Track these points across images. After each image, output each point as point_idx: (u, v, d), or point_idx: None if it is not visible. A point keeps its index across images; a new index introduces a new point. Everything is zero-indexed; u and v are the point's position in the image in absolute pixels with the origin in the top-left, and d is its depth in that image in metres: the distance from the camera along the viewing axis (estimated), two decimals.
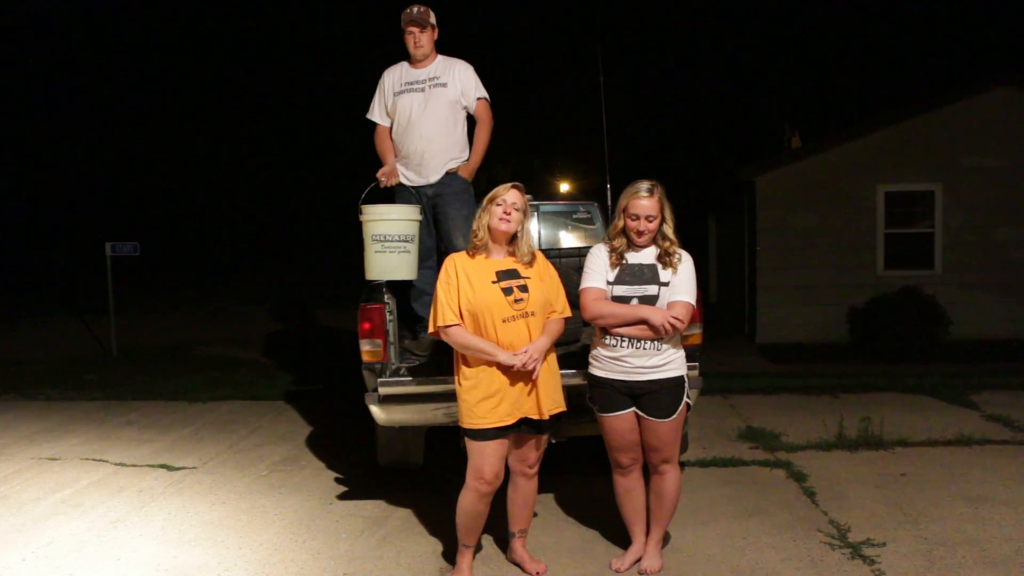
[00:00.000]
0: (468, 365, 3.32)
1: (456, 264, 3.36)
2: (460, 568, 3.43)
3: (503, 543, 3.69)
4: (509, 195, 3.33)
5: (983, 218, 10.85)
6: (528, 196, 3.47)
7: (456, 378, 3.38)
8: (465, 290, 3.29)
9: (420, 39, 4.45)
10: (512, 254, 3.39)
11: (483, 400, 3.26)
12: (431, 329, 3.38)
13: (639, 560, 3.53)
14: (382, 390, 3.95)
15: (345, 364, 7.14)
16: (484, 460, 3.27)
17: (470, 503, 3.34)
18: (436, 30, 4.51)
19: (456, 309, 3.29)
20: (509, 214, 3.30)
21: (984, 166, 10.81)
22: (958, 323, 10.25)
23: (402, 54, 4.57)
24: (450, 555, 3.56)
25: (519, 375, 3.25)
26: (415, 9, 4.45)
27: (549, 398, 3.33)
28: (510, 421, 3.27)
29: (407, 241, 4.11)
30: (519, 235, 3.37)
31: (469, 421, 3.28)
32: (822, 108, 21.54)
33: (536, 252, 3.44)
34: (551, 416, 3.35)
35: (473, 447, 3.30)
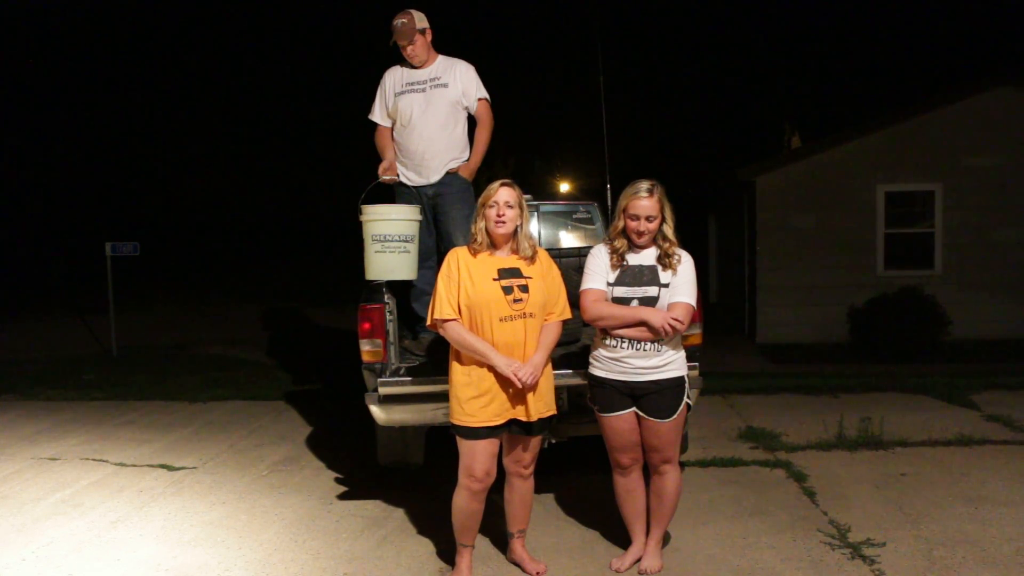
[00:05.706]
0: (461, 363, 3.30)
1: (459, 258, 3.34)
2: (459, 568, 3.43)
3: (503, 543, 3.69)
4: (500, 194, 3.29)
5: (983, 218, 10.84)
6: (527, 196, 3.46)
7: (448, 374, 3.37)
8: (465, 285, 3.27)
9: (412, 51, 4.40)
10: (514, 251, 3.37)
11: (474, 398, 3.25)
12: (428, 321, 3.37)
13: (639, 560, 3.53)
14: (382, 390, 3.95)
15: (345, 364, 7.14)
16: (474, 459, 3.27)
17: (463, 502, 3.34)
18: (429, 31, 4.44)
19: (455, 304, 3.28)
20: (503, 215, 3.28)
21: (984, 166, 10.81)
22: (958, 323, 10.24)
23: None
24: (449, 555, 3.55)
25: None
26: (399, 22, 4.34)
27: (540, 401, 3.32)
28: (499, 421, 3.26)
29: (407, 241, 4.11)
30: (518, 230, 3.35)
31: (458, 418, 3.28)
32: (822, 108, 21.58)
33: (539, 249, 3.42)
34: (540, 419, 3.34)
35: (464, 445, 3.30)
